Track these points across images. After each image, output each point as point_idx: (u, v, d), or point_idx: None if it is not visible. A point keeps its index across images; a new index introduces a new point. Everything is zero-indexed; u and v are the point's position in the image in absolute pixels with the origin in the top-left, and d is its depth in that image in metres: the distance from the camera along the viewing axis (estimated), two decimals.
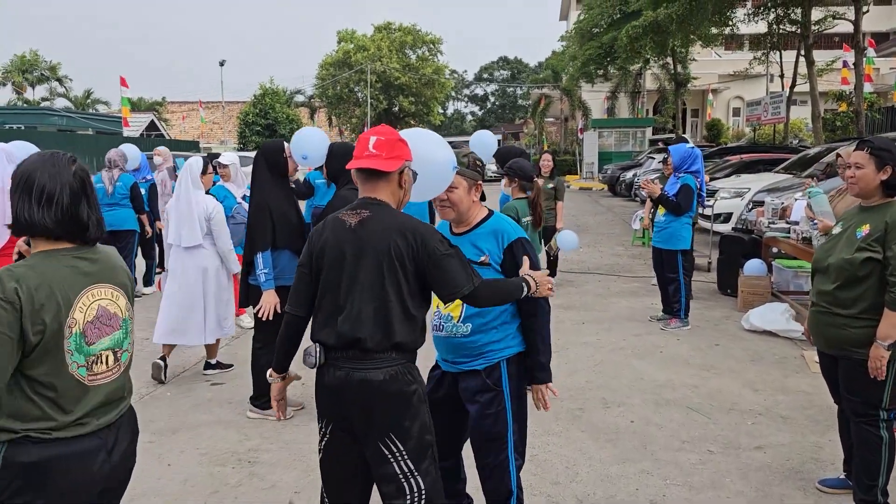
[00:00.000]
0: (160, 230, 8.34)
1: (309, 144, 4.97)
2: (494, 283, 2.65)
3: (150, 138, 33.75)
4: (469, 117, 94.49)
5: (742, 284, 7.77)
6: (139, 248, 8.81)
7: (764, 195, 10.25)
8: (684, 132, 34.68)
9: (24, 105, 40.42)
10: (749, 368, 5.77)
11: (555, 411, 4.68)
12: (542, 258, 9.45)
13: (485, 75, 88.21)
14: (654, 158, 21.40)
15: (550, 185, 9.03)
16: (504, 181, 5.04)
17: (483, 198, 3.06)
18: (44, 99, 47.39)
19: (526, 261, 2.83)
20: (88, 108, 44.13)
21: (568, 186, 32.60)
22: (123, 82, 26.22)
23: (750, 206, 10.49)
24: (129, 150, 8.50)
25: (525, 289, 2.67)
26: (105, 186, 8.16)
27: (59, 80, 48.54)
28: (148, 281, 8.91)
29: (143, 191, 8.66)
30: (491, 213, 3.02)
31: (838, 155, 6.15)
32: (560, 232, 8.88)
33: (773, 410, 4.84)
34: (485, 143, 6.43)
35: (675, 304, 7.01)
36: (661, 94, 36.31)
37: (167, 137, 37.40)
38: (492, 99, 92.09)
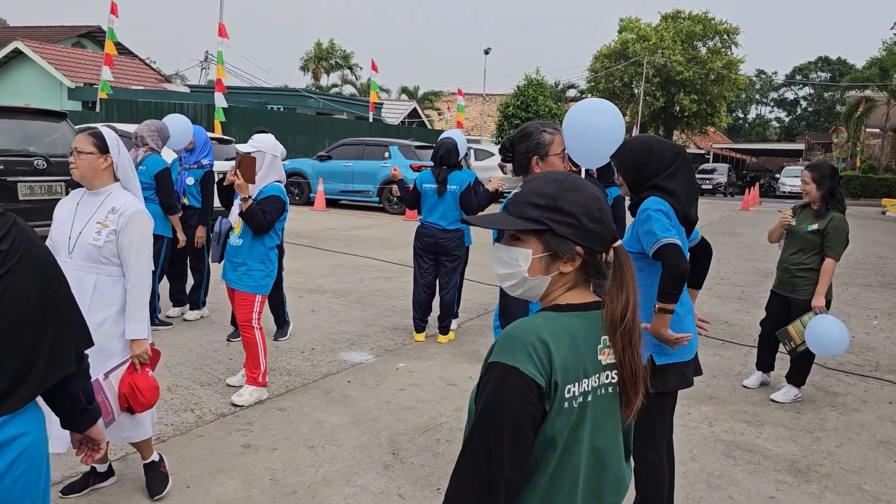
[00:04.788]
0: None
1: None
2: None
3: (410, 126, 33.20)
4: (774, 124, 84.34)
5: None
6: (186, 261, 6.56)
7: None
8: None
9: (316, 89, 42.47)
10: None
11: None
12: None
13: (798, 77, 77.65)
14: None
15: (813, 227, 5.05)
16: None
17: None
18: (334, 85, 49.93)
19: None
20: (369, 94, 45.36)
21: (884, 212, 25.68)
22: (374, 67, 25.41)
23: None
24: (176, 122, 6.19)
25: None
26: None
27: (349, 67, 50.87)
28: (196, 301, 6.59)
29: (192, 180, 6.35)
30: None
31: None
32: (815, 317, 4.89)
33: None
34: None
35: None
36: None
37: (428, 127, 36.79)
38: (803, 104, 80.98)
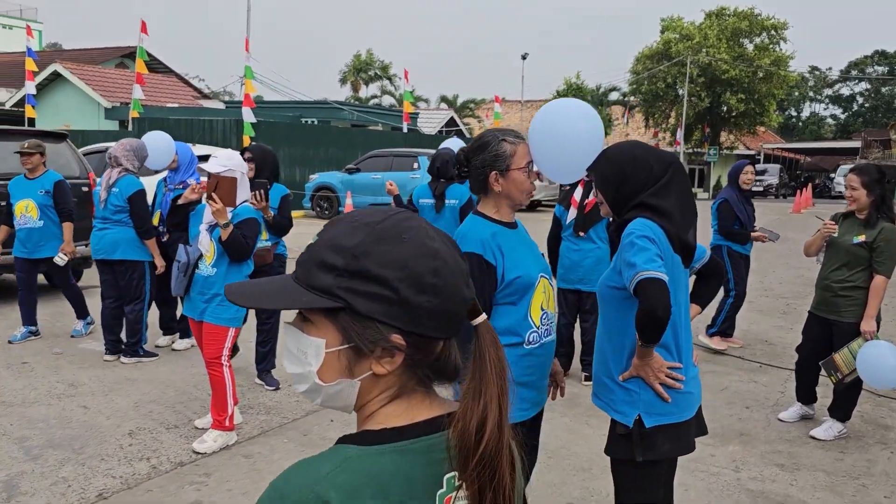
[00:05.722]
0: None
1: None
2: None
3: (448, 136, 32.82)
4: (829, 121, 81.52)
5: None
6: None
7: None
8: None
9: (355, 101, 42.45)
10: None
11: None
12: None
13: (853, 72, 74.89)
14: None
15: (860, 239, 4.39)
16: None
17: None
18: (373, 96, 49.88)
19: None
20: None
21: None
22: (406, 77, 24.97)
23: None
24: (155, 140, 5.83)
25: None
26: (100, 194, 5.61)
27: (388, 78, 50.77)
28: (186, 330, 6.21)
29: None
30: None
31: None
32: (866, 343, 4.25)
33: None
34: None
35: None
36: None
37: (467, 135, 36.30)
38: (860, 100, 78.05)
